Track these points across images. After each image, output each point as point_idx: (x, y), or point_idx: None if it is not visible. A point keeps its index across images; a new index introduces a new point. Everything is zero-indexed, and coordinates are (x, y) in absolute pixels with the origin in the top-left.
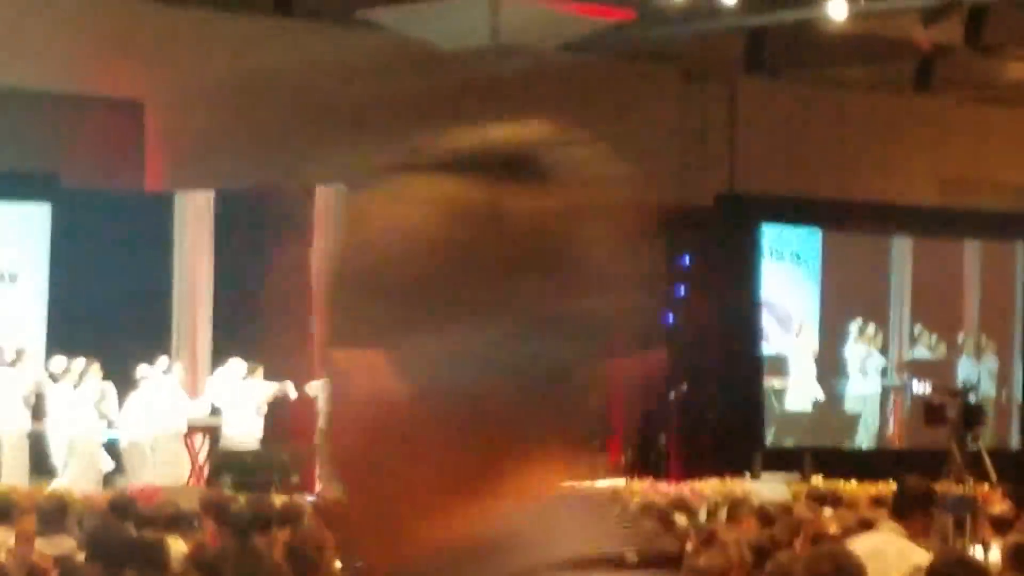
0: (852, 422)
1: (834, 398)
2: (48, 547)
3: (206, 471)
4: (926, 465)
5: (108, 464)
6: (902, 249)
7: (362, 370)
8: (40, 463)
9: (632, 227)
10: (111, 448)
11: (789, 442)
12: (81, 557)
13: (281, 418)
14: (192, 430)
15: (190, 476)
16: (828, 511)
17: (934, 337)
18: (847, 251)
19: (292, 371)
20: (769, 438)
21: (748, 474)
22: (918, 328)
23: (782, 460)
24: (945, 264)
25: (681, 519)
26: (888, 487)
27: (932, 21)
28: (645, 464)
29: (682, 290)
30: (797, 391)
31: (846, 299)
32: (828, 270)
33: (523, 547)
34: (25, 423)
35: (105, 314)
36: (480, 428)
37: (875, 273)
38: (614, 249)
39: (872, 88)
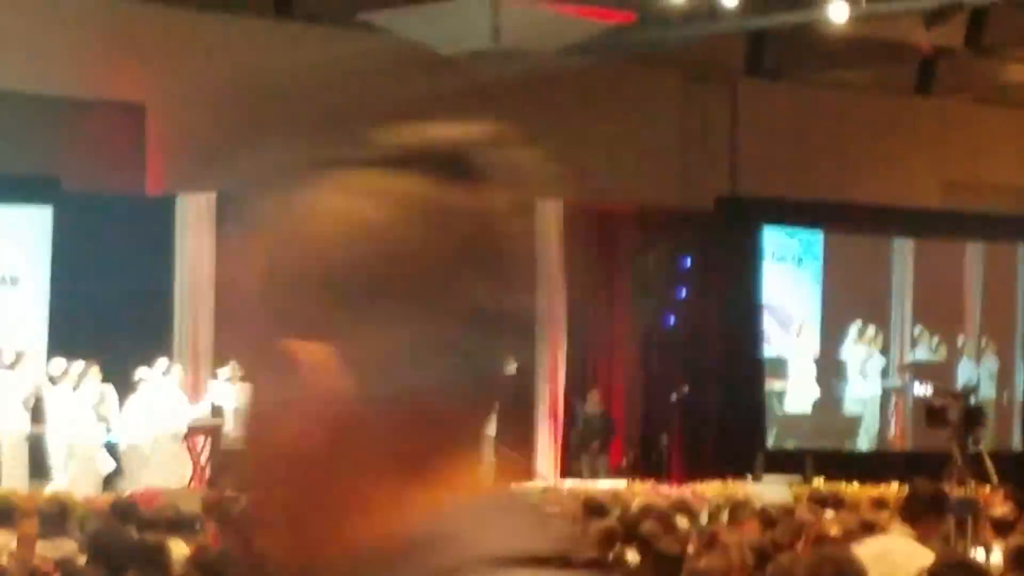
0: (853, 424)
1: (835, 400)
2: (49, 550)
3: (208, 473)
4: (927, 467)
5: (108, 467)
6: (903, 251)
7: (311, 362)
8: (39, 466)
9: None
10: (111, 451)
11: (790, 444)
12: (82, 560)
13: None
14: (193, 431)
15: (192, 478)
16: (830, 513)
17: (935, 339)
18: (848, 253)
19: None
20: (770, 440)
21: (749, 476)
22: (919, 330)
23: (783, 462)
24: (946, 266)
25: (682, 521)
26: (889, 489)
27: (933, 23)
28: (646, 466)
29: (683, 292)
30: (798, 393)
31: (847, 301)
32: (829, 272)
33: (453, 543)
34: (24, 426)
35: (107, 317)
36: (421, 424)
37: (876, 275)
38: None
39: (873, 90)
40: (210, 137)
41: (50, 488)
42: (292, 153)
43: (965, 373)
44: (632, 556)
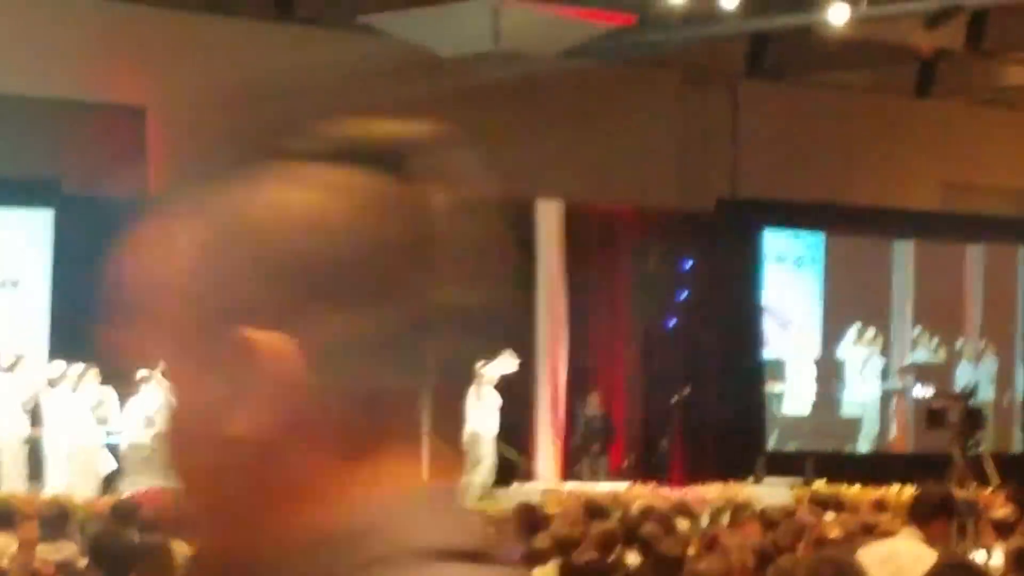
0: (854, 426)
1: (836, 402)
2: (50, 553)
3: None
4: (928, 469)
5: (109, 469)
6: (904, 253)
7: (271, 350)
8: (38, 469)
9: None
10: (111, 453)
11: (791, 446)
12: (83, 563)
13: None
14: None
15: None
16: (830, 515)
17: (936, 341)
18: (848, 255)
19: None
20: (771, 442)
21: (750, 478)
22: (920, 332)
23: (784, 464)
24: (947, 268)
25: (683, 523)
26: (890, 491)
27: (933, 25)
28: (647, 468)
29: (684, 294)
30: (799, 395)
31: (848, 303)
32: (830, 274)
33: (384, 534)
34: (24, 429)
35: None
36: (367, 417)
37: (877, 277)
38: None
39: (874, 92)
40: (211, 139)
41: (50, 491)
42: (231, 145)
43: (965, 375)
44: (633, 558)
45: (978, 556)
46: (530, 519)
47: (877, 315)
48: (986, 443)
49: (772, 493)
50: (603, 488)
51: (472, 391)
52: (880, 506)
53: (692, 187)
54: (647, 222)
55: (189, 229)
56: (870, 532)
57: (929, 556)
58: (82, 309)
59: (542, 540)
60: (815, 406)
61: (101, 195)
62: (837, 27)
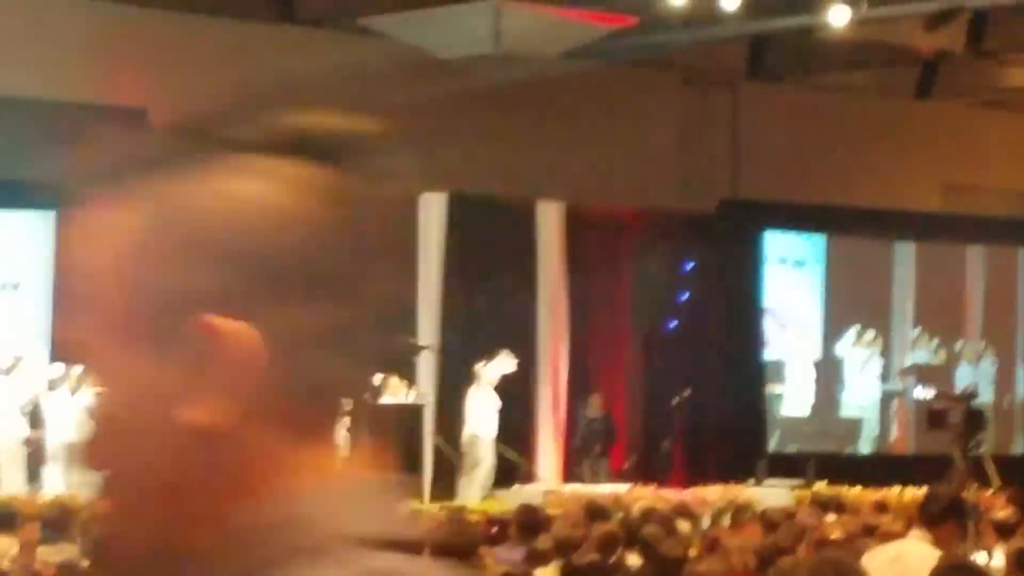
0: (855, 428)
1: (837, 404)
2: (51, 555)
3: None
4: (929, 471)
5: None
6: (905, 254)
7: (237, 338)
8: (37, 471)
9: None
10: None
11: (792, 448)
12: (85, 564)
13: None
14: None
15: None
16: (831, 517)
17: (937, 342)
18: (850, 256)
19: None
20: (772, 444)
21: (751, 480)
22: (921, 333)
23: (785, 466)
24: (948, 269)
25: (684, 525)
26: (891, 493)
27: (934, 27)
28: (648, 470)
29: (685, 295)
30: (800, 397)
31: (849, 305)
32: (831, 275)
33: (316, 523)
34: (23, 431)
35: None
36: (315, 408)
37: (878, 278)
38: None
39: (875, 94)
40: None
41: (51, 493)
42: (172, 135)
43: (966, 376)
44: (634, 559)
45: (979, 558)
46: (531, 520)
47: (878, 316)
48: (987, 444)
49: (773, 494)
50: (604, 489)
51: (471, 392)
52: (881, 507)
53: (693, 188)
54: (648, 223)
55: (138, 216)
56: (871, 534)
57: (936, 558)
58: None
59: (543, 541)
60: (816, 407)
61: None
62: (838, 29)
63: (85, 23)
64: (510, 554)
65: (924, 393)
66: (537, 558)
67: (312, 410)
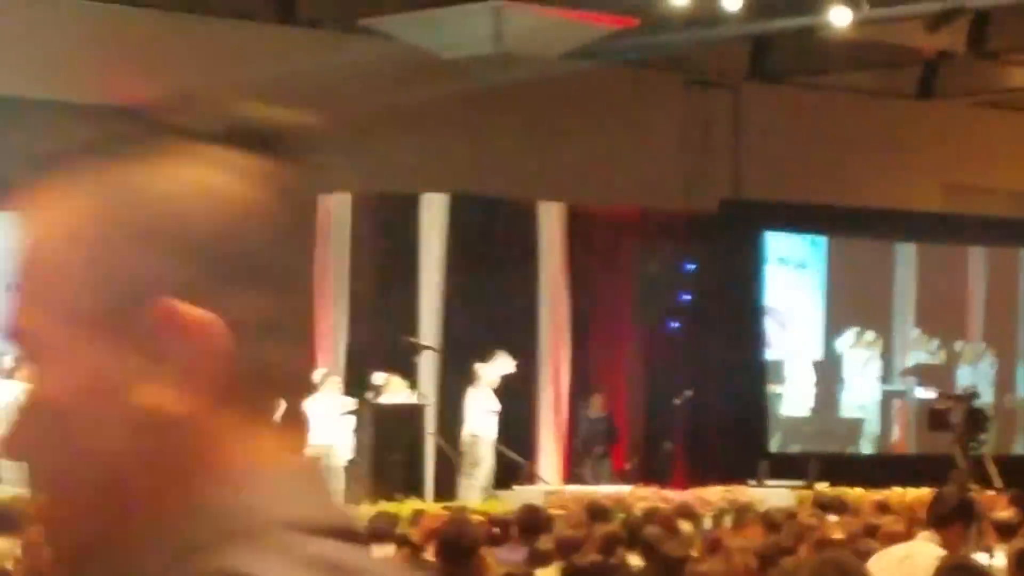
0: (856, 428)
1: (838, 404)
2: None
3: None
4: (930, 471)
5: None
6: (906, 255)
7: (199, 323)
8: None
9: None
10: None
11: (794, 448)
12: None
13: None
14: None
15: None
16: (833, 517)
17: (938, 342)
18: (851, 257)
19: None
20: (774, 444)
21: (753, 481)
22: (922, 334)
23: (787, 466)
24: (949, 270)
25: (686, 525)
26: (893, 493)
27: (935, 28)
28: (650, 470)
29: (686, 296)
30: (801, 397)
31: (850, 305)
32: (832, 276)
33: (254, 507)
34: None
35: None
36: (261, 394)
37: (879, 279)
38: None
39: (876, 94)
40: None
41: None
42: (122, 120)
43: (967, 377)
44: (635, 560)
45: (980, 558)
46: (533, 521)
47: (879, 317)
48: (988, 445)
49: (775, 495)
50: (606, 490)
51: (470, 392)
52: (883, 508)
53: (695, 189)
54: (649, 224)
55: (90, 202)
56: (873, 534)
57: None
58: None
59: (545, 542)
60: (817, 408)
61: None
62: (839, 29)
63: (84, 24)
64: (512, 554)
65: (925, 393)
66: (539, 559)
67: (259, 397)
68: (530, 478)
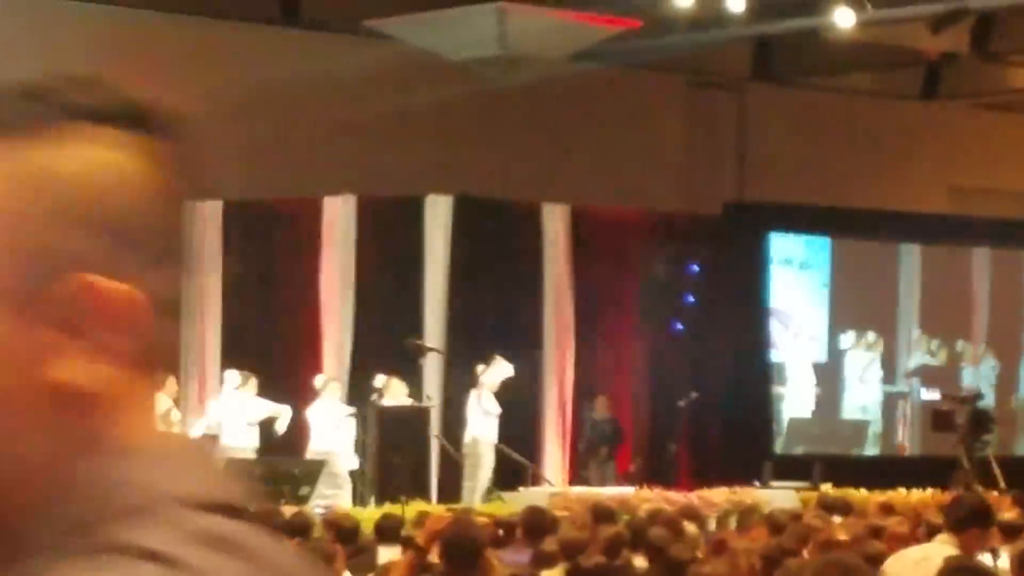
0: (861, 430)
1: (842, 406)
2: None
3: None
4: (935, 472)
5: None
6: (910, 257)
7: (119, 299)
8: None
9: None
10: None
11: (798, 450)
12: None
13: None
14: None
15: None
16: (837, 519)
17: (941, 343)
18: (855, 258)
19: (296, 387)
20: (778, 446)
21: (757, 482)
22: (926, 335)
23: (791, 468)
24: (953, 271)
25: (691, 527)
26: (897, 494)
27: (939, 29)
28: (655, 472)
29: (690, 298)
30: (805, 399)
31: (854, 307)
32: (836, 278)
33: (144, 483)
34: None
35: None
36: (154, 368)
37: (883, 281)
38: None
39: (880, 96)
40: (217, 145)
41: None
42: (16, 98)
43: (971, 378)
44: (640, 562)
45: (984, 559)
46: (537, 523)
47: (883, 318)
48: (992, 446)
49: (779, 496)
50: (610, 492)
51: (472, 395)
52: (887, 509)
53: (699, 191)
54: (654, 226)
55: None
56: (878, 536)
57: None
58: None
59: (549, 544)
60: (822, 409)
61: None
62: (843, 31)
63: (89, 27)
64: (516, 556)
65: (929, 395)
66: (543, 560)
67: (157, 373)
68: (535, 480)
